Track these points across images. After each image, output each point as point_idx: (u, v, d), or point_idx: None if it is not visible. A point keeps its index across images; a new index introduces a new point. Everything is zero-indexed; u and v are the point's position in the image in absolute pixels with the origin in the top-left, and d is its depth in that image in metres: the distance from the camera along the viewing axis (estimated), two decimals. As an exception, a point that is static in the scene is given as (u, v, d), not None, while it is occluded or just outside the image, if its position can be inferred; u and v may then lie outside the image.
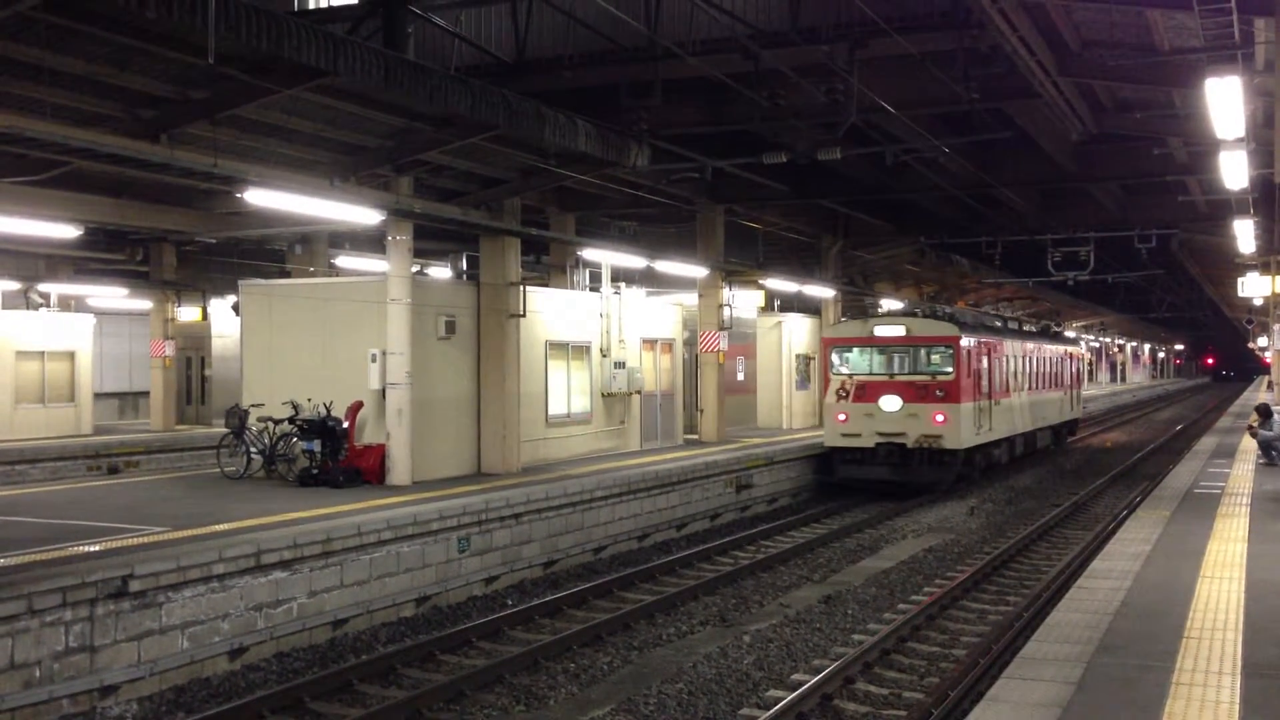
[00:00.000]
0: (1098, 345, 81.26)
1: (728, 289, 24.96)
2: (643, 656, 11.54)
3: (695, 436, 24.71)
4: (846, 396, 23.56)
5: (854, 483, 23.43)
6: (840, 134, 16.83)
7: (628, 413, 22.17)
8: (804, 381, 29.94)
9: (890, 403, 23.20)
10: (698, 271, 23.92)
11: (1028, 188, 25.02)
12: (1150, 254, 31.28)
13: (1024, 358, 29.03)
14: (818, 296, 30.07)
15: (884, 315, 25.99)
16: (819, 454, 24.07)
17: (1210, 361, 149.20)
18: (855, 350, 24.03)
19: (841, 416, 23.57)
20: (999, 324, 29.63)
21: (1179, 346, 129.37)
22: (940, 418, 22.87)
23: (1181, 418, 55.48)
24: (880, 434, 23.13)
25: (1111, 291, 48.94)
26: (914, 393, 23.08)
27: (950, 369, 23.07)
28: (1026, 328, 33.56)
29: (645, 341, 22.80)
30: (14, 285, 26.43)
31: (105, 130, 12.57)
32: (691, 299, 25.26)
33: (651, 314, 23.36)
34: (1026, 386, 29.18)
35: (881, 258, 33.72)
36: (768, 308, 29.88)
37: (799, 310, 30.66)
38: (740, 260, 27.55)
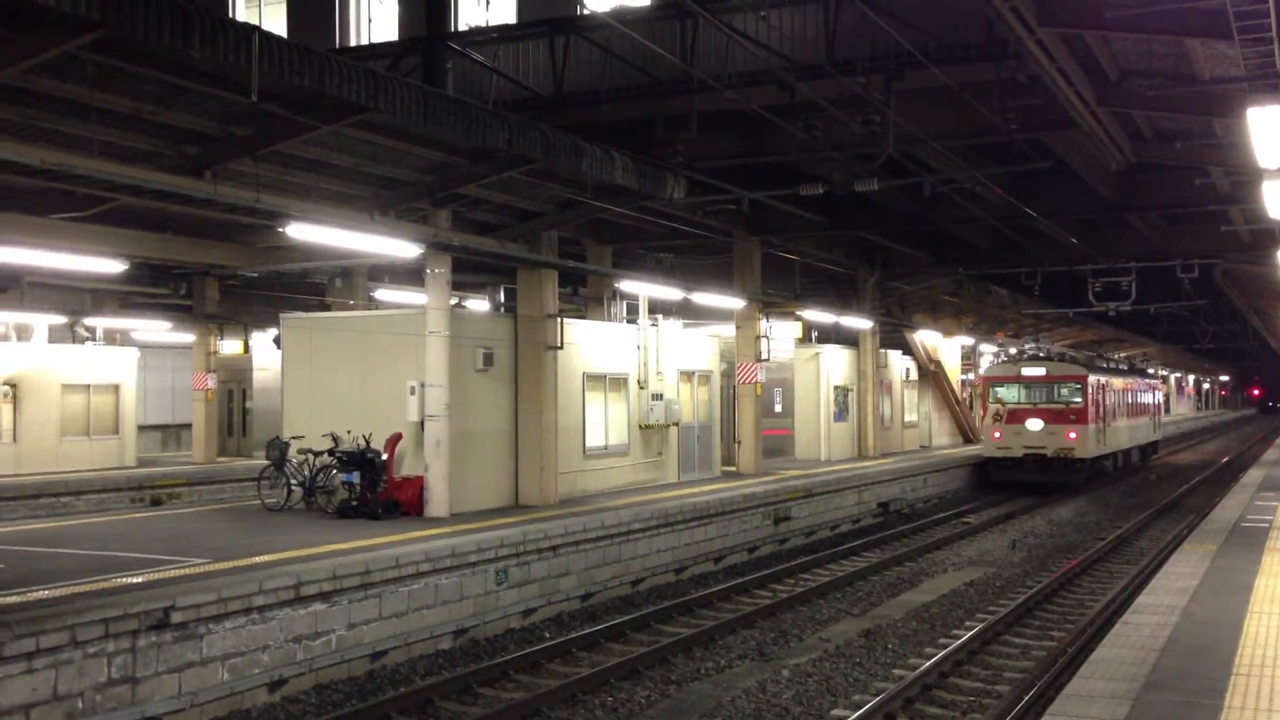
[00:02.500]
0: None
1: (765, 320, 24.94)
2: (681, 691, 11.47)
3: (733, 468, 24.62)
4: (1001, 419, 31.22)
5: (1005, 484, 30.93)
6: (877, 165, 16.79)
7: (665, 444, 22.13)
8: (842, 413, 29.76)
9: (1034, 424, 30.82)
10: (735, 303, 23.92)
11: (1067, 218, 24.80)
12: (1193, 284, 31.28)
13: (1124, 391, 36.59)
14: (855, 328, 29.96)
15: (1028, 360, 33.32)
16: (854, 486, 24.27)
17: (1256, 393, 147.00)
18: (1005, 386, 31.54)
19: (997, 434, 31.35)
20: (1106, 364, 37.42)
21: (1224, 377, 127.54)
22: (1073, 435, 30.47)
23: (1227, 449, 54.66)
24: (1027, 447, 30.79)
25: (1154, 322, 48.45)
26: (1052, 417, 30.68)
27: (1079, 399, 30.69)
28: (1122, 366, 39.64)
29: (682, 373, 22.78)
30: (60, 319, 26.85)
31: (150, 167, 12.77)
32: (729, 330, 25.23)
33: (689, 346, 23.35)
34: (1126, 413, 36.82)
35: (919, 288, 33.59)
36: (805, 339, 29.76)
37: (836, 341, 30.55)
38: (777, 291, 27.50)
